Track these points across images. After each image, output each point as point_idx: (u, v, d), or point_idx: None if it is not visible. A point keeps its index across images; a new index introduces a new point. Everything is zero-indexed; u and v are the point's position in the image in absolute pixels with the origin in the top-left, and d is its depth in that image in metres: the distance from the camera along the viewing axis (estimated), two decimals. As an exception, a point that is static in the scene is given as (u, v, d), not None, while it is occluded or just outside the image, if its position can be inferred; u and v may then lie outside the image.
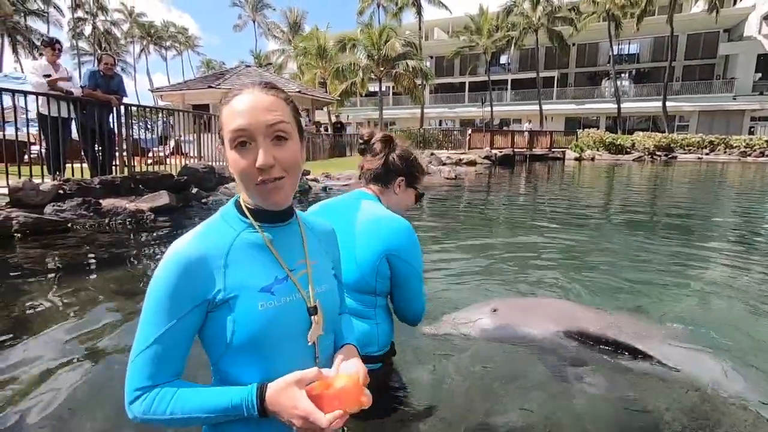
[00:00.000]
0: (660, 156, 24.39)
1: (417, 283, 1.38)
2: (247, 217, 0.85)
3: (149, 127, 9.86)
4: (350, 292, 1.34)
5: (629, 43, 35.35)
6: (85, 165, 6.21)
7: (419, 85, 26.58)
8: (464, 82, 38.17)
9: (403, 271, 1.35)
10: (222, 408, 0.75)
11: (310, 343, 0.85)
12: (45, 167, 5.55)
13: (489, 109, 32.27)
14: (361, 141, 1.51)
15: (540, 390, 1.73)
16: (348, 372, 0.83)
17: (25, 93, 5.34)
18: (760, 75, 30.30)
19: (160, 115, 8.53)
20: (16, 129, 5.80)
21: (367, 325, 1.37)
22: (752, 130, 29.58)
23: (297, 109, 0.88)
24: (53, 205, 4.63)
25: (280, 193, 0.82)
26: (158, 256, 3.88)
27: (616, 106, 29.95)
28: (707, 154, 24.53)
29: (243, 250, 0.82)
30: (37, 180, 4.99)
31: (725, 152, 24.37)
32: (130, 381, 0.76)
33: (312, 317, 0.85)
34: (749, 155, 23.55)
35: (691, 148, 25.12)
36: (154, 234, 4.69)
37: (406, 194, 1.52)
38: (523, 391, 1.73)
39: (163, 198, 5.54)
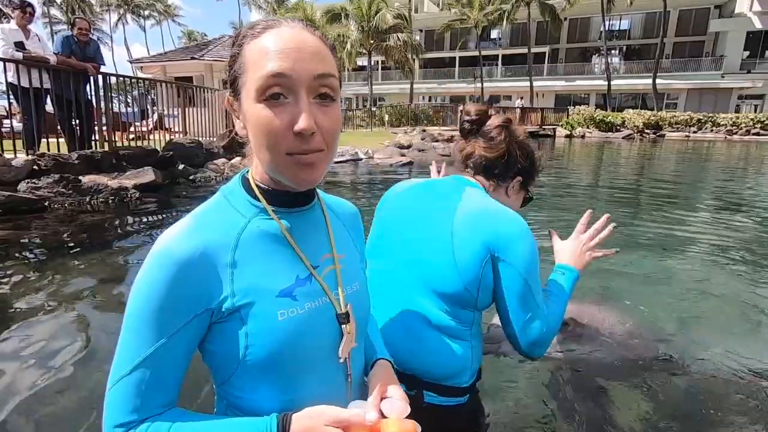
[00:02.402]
0: (648, 134, 24.44)
1: (524, 302, 0.98)
2: (258, 199, 0.65)
3: (134, 100, 9.35)
4: (447, 304, 1.01)
5: (620, 19, 34.93)
6: (61, 139, 5.81)
7: (410, 59, 25.95)
8: (454, 57, 37.44)
9: (507, 279, 0.97)
10: None
11: (341, 360, 0.67)
12: (20, 142, 5.17)
13: (479, 85, 31.80)
14: (467, 119, 1.13)
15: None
16: (397, 413, 0.62)
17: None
18: (748, 53, 30.32)
19: (141, 86, 8.05)
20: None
21: (461, 347, 1.02)
22: (738, 108, 29.77)
23: (339, 64, 0.66)
24: (28, 182, 4.31)
25: (314, 170, 0.61)
26: (145, 238, 3.64)
27: (606, 83, 29.76)
28: (695, 132, 24.67)
29: (255, 243, 0.63)
30: (8, 155, 4.63)
31: (712, 130, 24.53)
32: (109, 415, 0.57)
33: (343, 326, 0.66)
34: (735, 133, 23.76)
35: (679, 126, 25.22)
36: (140, 213, 4.42)
37: (518, 197, 1.19)
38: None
39: (148, 174, 5.23)
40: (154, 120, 8.95)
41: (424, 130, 15.88)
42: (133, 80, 7.56)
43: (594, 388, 1.57)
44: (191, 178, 6.25)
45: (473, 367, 1.05)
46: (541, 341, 1.00)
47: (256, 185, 0.66)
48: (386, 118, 21.67)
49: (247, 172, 0.69)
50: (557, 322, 1.04)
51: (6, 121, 7.02)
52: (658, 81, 28.59)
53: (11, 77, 5.04)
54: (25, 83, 5.02)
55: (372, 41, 23.71)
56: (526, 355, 1.03)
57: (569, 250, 1.15)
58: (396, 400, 0.65)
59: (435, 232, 1.01)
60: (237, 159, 6.93)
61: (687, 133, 24.46)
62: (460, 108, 1.18)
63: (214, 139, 8.15)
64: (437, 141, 13.90)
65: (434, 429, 1.02)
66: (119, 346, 0.59)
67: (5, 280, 2.65)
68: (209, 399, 0.71)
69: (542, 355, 1.04)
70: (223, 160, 7.14)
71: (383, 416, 0.61)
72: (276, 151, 0.59)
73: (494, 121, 1.12)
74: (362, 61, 28.61)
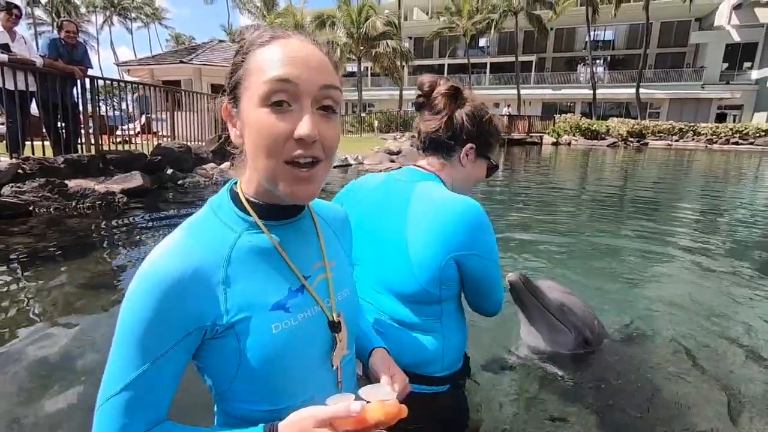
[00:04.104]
0: (632, 142, 24.98)
1: (495, 274, 1.03)
2: (248, 212, 0.65)
3: (132, 102, 9.23)
4: (407, 304, 1.02)
5: (605, 29, 35.75)
6: (47, 143, 5.72)
7: (399, 65, 26.15)
8: (443, 64, 37.83)
9: (478, 267, 1.00)
10: None
11: (334, 368, 0.68)
12: (4, 145, 5.09)
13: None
14: (419, 93, 1.09)
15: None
16: (378, 397, 0.60)
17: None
18: (727, 65, 31.27)
19: (129, 89, 7.97)
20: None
21: (432, 338, 1.03)
22: (724, 117, 30.46)
23: (341, 81, 0.68)
24: (12, 186, 4.23)
25: (311, 185, 0.61)
26: (132, 244, 3.60)
27: (591, 91, 30.37)
28: (676, 140, 25.28)
29: (246, 259, 0.62)
30: (-8, 158, 4.55)
31: (693, 139, 25.17)
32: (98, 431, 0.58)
33: (335, 335, 0.67)
34: (715, 142, 24.42)
35: (661, 134, 25.83)
36: (127, 218, 4.36)
37: (476, 166, 1.11)
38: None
39: (136, 179, 5.18)
40: (142, 123, 8.87)
41: (413, 136, 15.98)
42: (120, 83, 7.48)
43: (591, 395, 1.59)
44: (180, 183, 6.19)
45: (446, 359, 1.05)
46: (503, 298, 1.12)
47: (246, 198, 0.65)
48: (376, 124, 21.78)
49: (235, 183, 0.68)
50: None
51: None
52: (641, 90, 29.28)
53: (-4, 80, 4.96)
54: (10, 86, 4.94)
55: (362, 48, 23.84)
56: (492, 314, 1.13)
57: None
58: (378, 386, 0.65)
59: (390, 236, 1.02)
60: (226, 164, 6.89)
61: (669, 142, 25.05)
62: (419, 80, 1.11)
63: (203, 143, 8.09)
64: (426, 147, 14.01)
65: (410, 414, 1.07)
66: (109, 363, 0.58)
67: (-11, 286, 2.60)
68: (207, 410, 0.72)
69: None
70: (212, 164, 7.09)
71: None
72: (275, 158, 0.58)
73: (440, 89, 1.07)
74: (352, 67, 28.72)
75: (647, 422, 1.44)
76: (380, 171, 9.02)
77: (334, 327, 0.67)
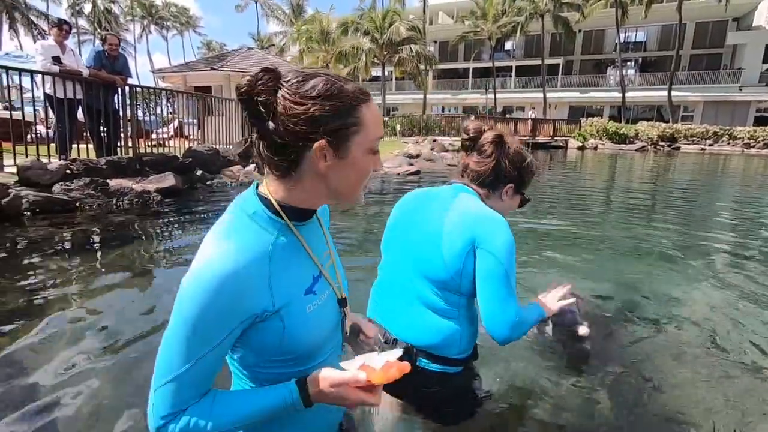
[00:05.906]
0: (663, 146, 24.27)
1: (502, 284, 1.15)
2: (280, 216, 0.77)
3: (162, 110, 9.80)
4: (436, 289, 1.24)
5: (636, 31, 34.82)
6: (90, 146, 6.25)
7: (423, 70, 26.33)
8: (468, 68, 37.76)
9: (488, 264, 1.15)
10: (264, 412, 0.72)
11: (347, 334, 0.89)
12: (54, 148, 5.62)
13: (492, 95, 32.00)
14: (466, 136, 1.34)
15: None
16: (380, 364, 0.72)
17: (32, 72, 5.36)
18: (767, 66, 29.94)
19: (163, 96, 8.50)
20: (23, 109, 5.80)
21: (448, 324, 1.24)
22: (766, 121, 29.04)
23: None
24: (61, 185, 4.70)
25: None
26: (164, 237, 3.97)
27: (620, 94, 29.66)
28: (710, 145, 24.40)
29: (283, 254, 0.76)
30: (44, 159, 5.05)
31: (729, 143, 24.24)
32: (155, 409, 0.69)
33: (343, 309, 0.87)
34: (753, 147, 23.44)
35: (695, 138, 24.97)
36: (160, 214, 4.77)
37: (513, 200, 1.36)
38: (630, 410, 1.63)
39: (169, 179, 5.60)
40: (175, 126, 9.42)
41: (434, 140, 16.12)
42: (156, 90, 8.02)
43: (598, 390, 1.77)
44: (208, 183, 6.63)
45: (462, 343, 1.26)
46: (516, 325, 1.17)
47: (280, 204, 0.77)
48: (398, 127, 22.03)
49: (257, 187, 0.79)
50: (529, 322, 1.24)
51: (39, 128, 7.52)
52: (674, 93, 28.38)
53: (48, 89, 5.49)
54: (60, 94, 5.46)
55: (386, 53, 24.17)
56: (500, 335, 1.18)
57: (549, 299, 1.37)
58: (384, 354, 0.75)
59: (429, 230, 1.24)
60: (251, 167, 7.29)
61: (703, 146, 24.20)
62: (471, 119, 1.34)
63: (230, 146, 8.55)
64: (447, 151, 14.13)
65: (428, 390, 1.28)
66: (164, 352, 0.69)
67: (42, 271, 2.98)
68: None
69: (511, 341, 1.19)
70: (238, 167, 7.51)
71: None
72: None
73: (487, 136, 1.31)
74: (376, 72, 29.10)
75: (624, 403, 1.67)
76: (398, 174, 9.23)
77: (342, 303, 0.86)
